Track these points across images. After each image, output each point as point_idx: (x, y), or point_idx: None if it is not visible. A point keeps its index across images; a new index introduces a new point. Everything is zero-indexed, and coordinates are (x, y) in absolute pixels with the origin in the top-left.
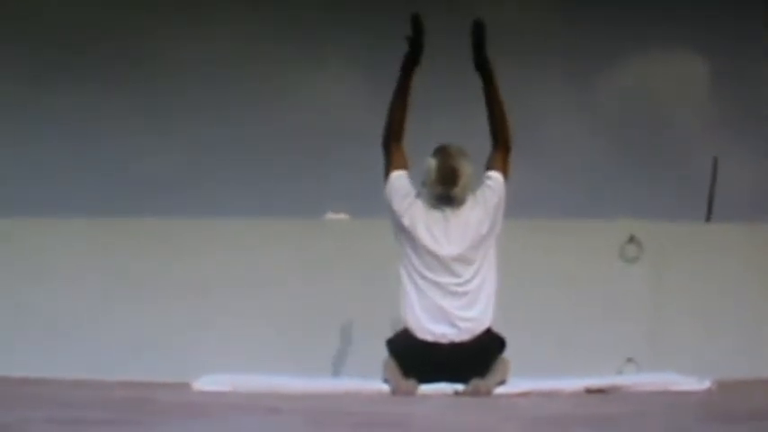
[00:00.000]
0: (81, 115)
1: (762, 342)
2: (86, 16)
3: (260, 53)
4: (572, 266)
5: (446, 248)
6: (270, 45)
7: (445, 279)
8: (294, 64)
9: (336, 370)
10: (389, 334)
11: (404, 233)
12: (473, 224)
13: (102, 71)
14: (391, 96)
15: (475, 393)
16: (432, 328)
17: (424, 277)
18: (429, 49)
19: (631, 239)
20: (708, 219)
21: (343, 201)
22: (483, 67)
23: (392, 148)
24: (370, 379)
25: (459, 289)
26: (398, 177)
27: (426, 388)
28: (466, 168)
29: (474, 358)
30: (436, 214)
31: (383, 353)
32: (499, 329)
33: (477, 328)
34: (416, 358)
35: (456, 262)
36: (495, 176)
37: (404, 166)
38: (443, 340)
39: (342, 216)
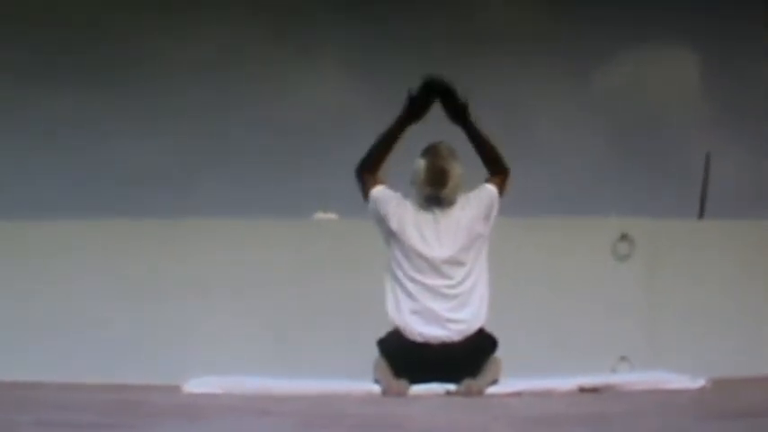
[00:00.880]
0: (74, 116)
1: (756, 340)
2: (77, 16)
3: (252, 53)
4: (564, 265)
5: (437, 251)
6: (262, 45)
7: (436, 282)
8: (286, 64)
9: (327, 370)
10: (380, 334)
11: (393, 237)
12: (464, 225)
13: (95, 71)
14: (379, 137)
15: (467, 393)
16: (422, 330)
17: (413, 280)
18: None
19: (623, 237)
20: (700, 216)
21: (333, 200)
22: (456, 119)
23: (366, 176)
24: (361, 380)
25: (451, 291)
26: (379, 191)
27: (418, 388)
28: (455, 169)
29: (466, 358)
30: (426, 216)
31: (374, 353)
32: (491, 329)
33: (468, 329)
34: (408, 358)
35: (447, 264)
36: (491, 189)
37: (381, 183)
38: (434, 341)
39: (331, 216)
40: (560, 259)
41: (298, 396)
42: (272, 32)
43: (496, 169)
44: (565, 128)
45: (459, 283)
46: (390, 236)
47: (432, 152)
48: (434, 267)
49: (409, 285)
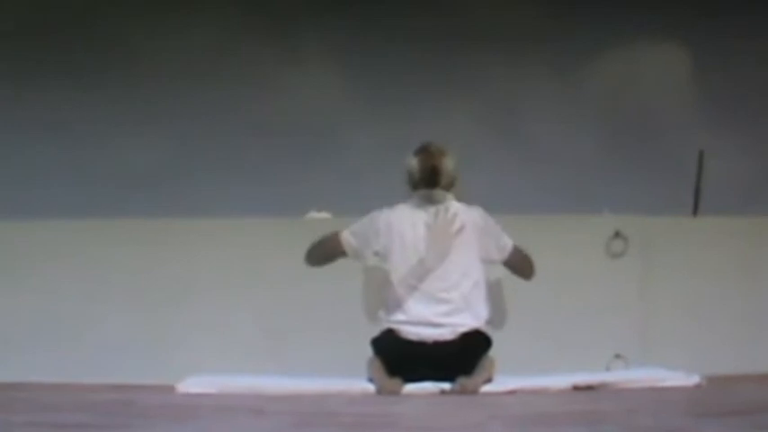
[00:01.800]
0: (66, 117)
1: (751, 336)
2: (64, 12)
3: (242, 52)
4: (557, 263)
5: (432, 253)
6: (252, 44)
7: (431, 285)
8: (277, 62)
9: (321, 369)
10: (374, 333)
11: (385, 251)
12: (463, 229)
13: (86, 72)
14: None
15: (461, 392)
16: (416, 329)
17: (407, 283)
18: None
19: (617, 234)
20: (695, 212)
21: (326, 199)
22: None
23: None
24: (356, 379)
25: (446, 295)
26: (348, 237)
27: (412, 387)
28: (448, 165)
29: (460, 357)
30: (422, 216)
31: (368, 352)
32: (486, 327)
33: (462, 328)
34: (402, 357)
35: (442, 265)
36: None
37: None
38: (428, 339)
39: (324, 215)
40: (553, 257)
41: (291, 395)
42: (264, 33)
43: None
44: (558, 125)
45: (455, 286)
46: (383, 251)
47: (422, 152)
48: (429, 269)
49: (403, 288)
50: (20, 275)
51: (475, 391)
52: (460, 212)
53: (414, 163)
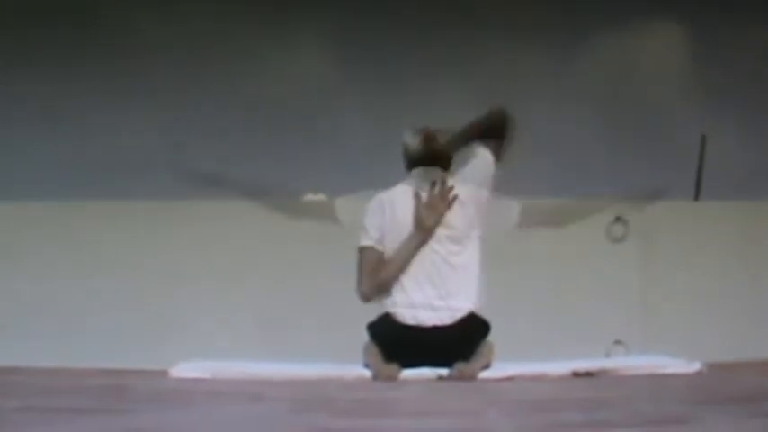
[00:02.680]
0: (54, 98)
1: (752, 322)
2: None
3: (234, 33)
4: (557, 247)
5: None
6: (245, 25)
7: (426, 261)
8: (269, 44)
9: (316, 355)
10: (370, 318)
11: (380, 232)
12: (453, 220)
13: (75, 52)
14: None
15: (459, 378)
16: (413, 313)
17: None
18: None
19: (618, 219)
20: (696, 197)
21: (322, 182)
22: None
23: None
24: (351, 364)
25: (443, 272)
26: (368, 240)
27: (409, 373)
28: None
29: (457, 342)
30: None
31: (364, 337)
32: (483, 312)
33: (459, 312)
34: (398, 342)
35: (440, 240)
36: (485, 156)
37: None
38: (426, 324)
39: (320, 197)
40: (554, 242)
41: (287, 381)
42: (256, 15)
43: (498, 130)
44: (557, 108)
45: (453, 267)
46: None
47: (420, 132)
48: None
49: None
50: (10, 258)
51: (473, 377)
52: (456, 188)
53: (411, 141)
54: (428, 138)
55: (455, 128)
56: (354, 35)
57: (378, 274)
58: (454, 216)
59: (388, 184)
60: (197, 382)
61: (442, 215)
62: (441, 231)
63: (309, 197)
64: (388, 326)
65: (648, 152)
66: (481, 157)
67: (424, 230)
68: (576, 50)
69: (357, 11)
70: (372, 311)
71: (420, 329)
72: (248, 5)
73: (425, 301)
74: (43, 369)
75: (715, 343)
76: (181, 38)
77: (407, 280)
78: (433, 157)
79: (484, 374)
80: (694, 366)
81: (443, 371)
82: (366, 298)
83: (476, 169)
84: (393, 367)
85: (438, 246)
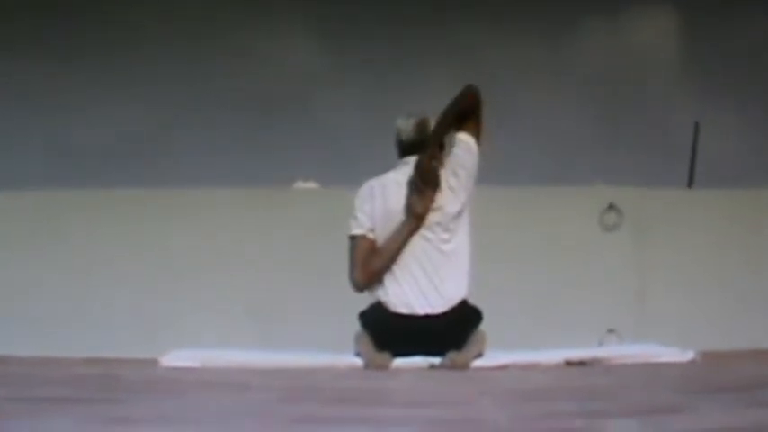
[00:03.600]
0: (43, 87)
1: (746, 311)
2: None
3: (221, 21)
4: (550, 235)
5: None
6: (233, 10)
7: (417, 248)
8: (256, 32)
9: (307, 344)
10: (362, 306)
11: (371, 219)
12: (444, 205)
13: (66, 42)
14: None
15: (451, 367)
16: (405, 302)
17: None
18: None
19: (611, 207)
20: (690, 185)
21: (313, 169)
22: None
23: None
24: (343, 353)
25: (434, 259)
26: (358, 229)
27: (401, 362)
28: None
29: (450, 331)
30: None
31: (355, 326)
32: (476, 301)
33: (452, 301)
34: (390, 331)
35: (429, 226)
36: (466, 141)
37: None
38: (418, 312)
39: (311, 185)
40: (547, 230)
41: (278, 369)
42: (243, 3)
43: (468, 111)
44: (548, 95)
45: (444, 255)
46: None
47: (413, 119)
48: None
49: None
50: None
51: (465, 366)
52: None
53: (404, 128)
54: (421, 125)
55: None
56: (342, 23)
57: (371, 262)
58: (443, 198)
59: (378, 170)
60: (187, 372)
61: (431, 200)
62: (431, 217)
63: (300, 184)
64: (380, 314)
65: (642, 140)
66: (463, 143)
67: (415, 217)
68: (569, 39)
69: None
70: (363, 300)
71: (412, 318)
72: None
73: (417, 289)
74: (32, 359)
75: (708, 332)
76: (169, 29)
77: (399, 269)
78: (426, 145)
79: (476, 363)
80: (688, 355)
81: (435, 360)
82: (359, 287)
83: (460, 156)
84: (385, 356)
85: (429, 233)
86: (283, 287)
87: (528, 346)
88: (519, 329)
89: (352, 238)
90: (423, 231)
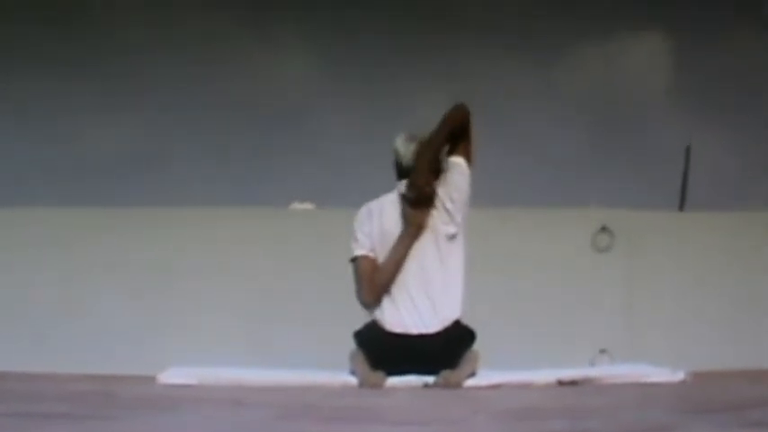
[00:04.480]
0: (42, 103)
1: (737, 332)
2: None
3: (220, 37)
4: (543, 257)
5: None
6: (229, 28)
7: (412, 266)
8: (255, 48)
9: (303, 362)
10: (357, 325)
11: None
12: (441, 228)
13: (63, 56)
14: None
15: (445, 385)
16: (400, 321)
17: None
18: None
19: (603, 229)
20: (681, 207)
21: (309, 190)
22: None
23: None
24: (338, 371)
25: (428, 285)
26: (360, 249)
27: (395, 380)
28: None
29: (443, 350)
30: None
31: (350, 345)
32: (469, 321)
33: (446, 321)
34: (384, 350)
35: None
36: (459, 163)
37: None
38: (412, 332)
39: (307, 206)
40: (539, 251)
41: (273, 387)
42: (241, 17)
43: (457, 129)
44: (541, 117)
45: (438, 274)
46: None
47: (412, 142)
48: (411, 255)
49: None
50: None
51: (458, 385)
52: (438, 213)
53: (402, 151)
54: (419, 143)
55: None
56: (340, 41)
57: (376, 278)
58: (440, 221)
59: (374, 191)
60: (183, 389)
61: (427, 214)
62: (428, 239)
63: (296, 205)
64: (375, 333)
65: (634, 163)
66: (457, 166)
67: (413, 225)
68: (562, 61)
69: (342, 15)
70: (359, 319)
71: (406, 337)
72: (235, 10)
73: (412, 309)
74: (29, 375)
75: (699, 352)
76: (167, 44)
77: (395, 288)
78: (419, 167)
79: (469, 382)
80: (678, 375)
81: (429, 378)
82: (368, 305)
83: (456, 180)
84: (379, 375)
85: (423, 253)
86: (280, 307)
87: (520, 365)
88: (512, 349)
89: (355, 259)
90: (417, 250)
